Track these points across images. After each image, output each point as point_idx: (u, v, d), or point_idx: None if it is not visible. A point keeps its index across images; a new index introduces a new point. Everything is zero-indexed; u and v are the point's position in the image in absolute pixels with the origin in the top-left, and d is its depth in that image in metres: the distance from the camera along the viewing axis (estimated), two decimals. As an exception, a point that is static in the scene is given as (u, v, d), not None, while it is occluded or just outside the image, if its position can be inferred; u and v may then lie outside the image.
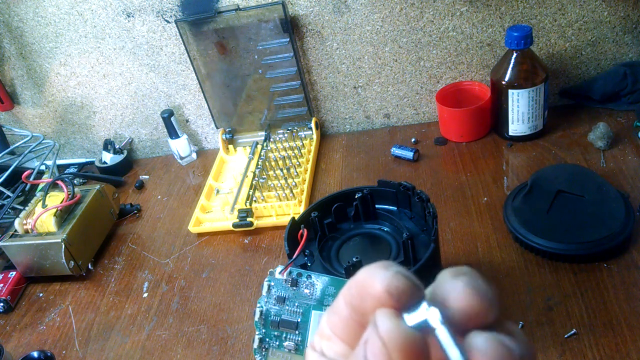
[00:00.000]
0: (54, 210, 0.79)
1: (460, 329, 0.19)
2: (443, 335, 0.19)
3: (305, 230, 0.59)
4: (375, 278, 0.19)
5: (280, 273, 0.53)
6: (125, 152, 1.06)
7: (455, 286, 0.19)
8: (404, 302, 0.19)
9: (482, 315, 0.19)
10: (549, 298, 0.63)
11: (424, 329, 0.19)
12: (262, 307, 0.53)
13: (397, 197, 0.63)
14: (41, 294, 0.82)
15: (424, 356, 0.18)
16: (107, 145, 1.04)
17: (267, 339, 0.53)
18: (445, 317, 0.19)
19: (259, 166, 0.91)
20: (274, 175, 0.89)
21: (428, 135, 0.95)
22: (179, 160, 1.04)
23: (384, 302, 0.19)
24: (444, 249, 0.72)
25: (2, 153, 0.95)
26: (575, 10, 0.86)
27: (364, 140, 0.99)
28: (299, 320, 0.52)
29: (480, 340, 0.18)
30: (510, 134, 0.88)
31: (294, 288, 0.53)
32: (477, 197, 0.79)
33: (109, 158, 1.04)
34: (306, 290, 0.52)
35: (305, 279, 0.52)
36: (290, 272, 0.53)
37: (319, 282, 0.52)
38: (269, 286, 0.53)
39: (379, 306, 0.19)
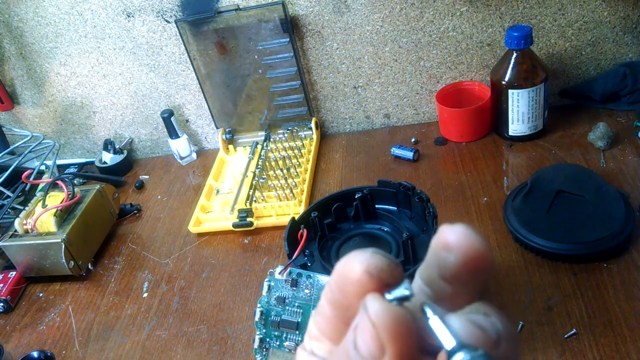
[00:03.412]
0: (54, 210, 0.79)
1: (455, 280, 0.19)
2: (430, 314, 0.19)
3: (305, 230, 0.59)
4: (353, 262, 0.20)
5: (280, 273, 0.53)
6: (125, 152, 1.06)
7: (454, 229, 0.19)
8: (385, 281, 0.19)
9: (480, 257, 0.19)
10: (549, 298, 0.63)
11: (403, 303, 0.19)
12: (262, 307, 0.53)
13: (397, 197, 0.63)
14: (41, 294, 0.82)
15: (411, 335, 0.18)
16: (107, 145, 1.04)
17: (268, 339, 0.53)
18: (435, 294, 0.19)
19: (259, 166, 0.91)
20: (274, 175, 0.89)
21: (428, 135, 0.95)
22: (179, 160, 1.04)
23: (365, 284, 0.19)
24: (444, 249, 0.72)
25: (2, 153, 0.95)
26: (575, 10, 0.86)
27: (364, 140, 0.99)
28: (299, 320, 0.52)
29: (453, 323, 0.18)
30: (510, 134, 0.88)
31: (294, 288, 0.53)
32: (477, 197, 0.79)
33: (109, 158, 1.04)
34: (306, 291, 0.52)
35: (305, 279, 0.52)
36: (290, 272, 0.53)
37: (319, 282, 0.52)
38: (269, 286, 0.53)
39: (361, 291, 0.19)
